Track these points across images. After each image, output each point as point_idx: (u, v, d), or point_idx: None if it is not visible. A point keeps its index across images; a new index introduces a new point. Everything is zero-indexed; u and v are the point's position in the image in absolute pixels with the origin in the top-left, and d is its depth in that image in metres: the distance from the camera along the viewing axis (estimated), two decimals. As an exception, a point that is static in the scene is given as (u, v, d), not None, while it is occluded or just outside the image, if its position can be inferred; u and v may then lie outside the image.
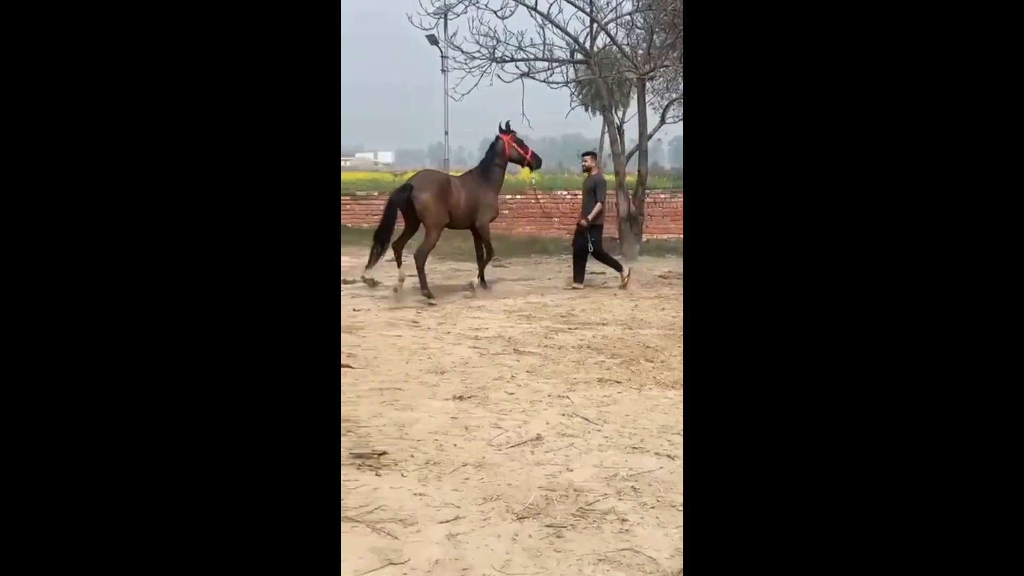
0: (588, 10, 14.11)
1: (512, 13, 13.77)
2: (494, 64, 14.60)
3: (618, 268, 11.38)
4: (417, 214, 10.00)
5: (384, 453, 4.37)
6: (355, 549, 3.25)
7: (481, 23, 14.60)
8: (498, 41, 14.38)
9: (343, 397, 5.46)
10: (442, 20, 19.18)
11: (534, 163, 11.32)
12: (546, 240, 17.68)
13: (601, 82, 14.76)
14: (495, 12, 13.73)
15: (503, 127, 11.10)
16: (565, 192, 19.67)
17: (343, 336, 7.63)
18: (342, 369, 6.24)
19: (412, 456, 4.34)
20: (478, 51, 14.49)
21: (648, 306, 9.70)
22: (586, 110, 26.59)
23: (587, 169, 11.68)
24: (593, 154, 12.10)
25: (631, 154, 14.76)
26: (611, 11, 14.59)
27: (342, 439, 4.59)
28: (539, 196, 16.92)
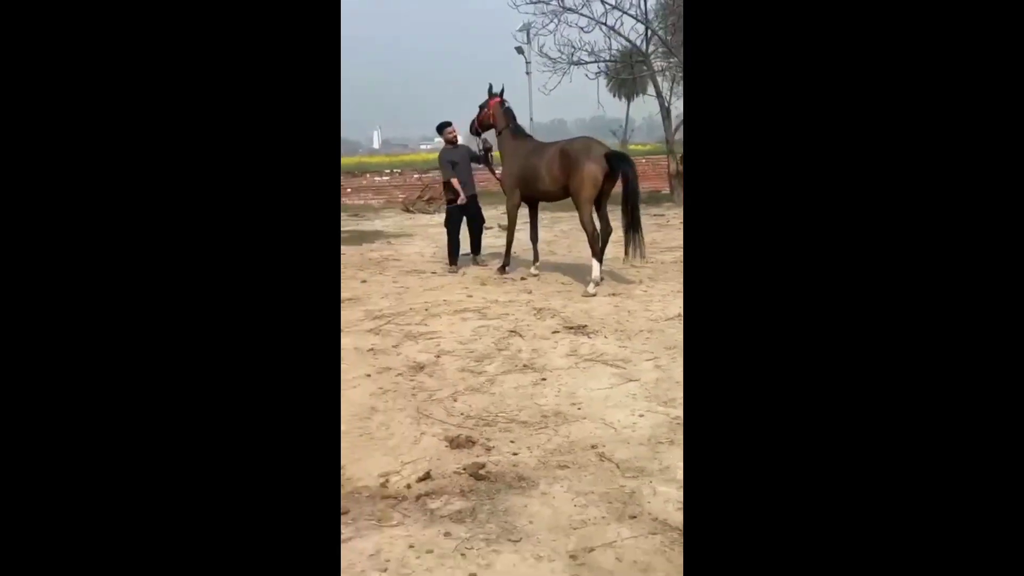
0: (644, 21, 14.41)
1: (592, 30, 14.19)
2: (571, 66, 15.13)
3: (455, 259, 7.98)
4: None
5: (585, 326, 5.10)
6: (602, 375, 4.02)
7: (562, 35, 14.97)
8: (575, 48, 14.86)
9: (539, 293, 6.22)
10: (525, 34, 19.62)
11: None
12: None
13: (654, 75, 15.12)
14: (581, 28, 14.15)
15: (500, 91, 7.53)
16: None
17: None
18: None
19: (603, 328, 5.07)
20: (560, 57, 14.98)
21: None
22: (613, 96, 29.93)
23: (451, 141, 8.05)
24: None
25: (677, 127, 15.11)
26: (662, 22, 14.92)
27: (552, 319, 5.35)
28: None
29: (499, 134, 7.42)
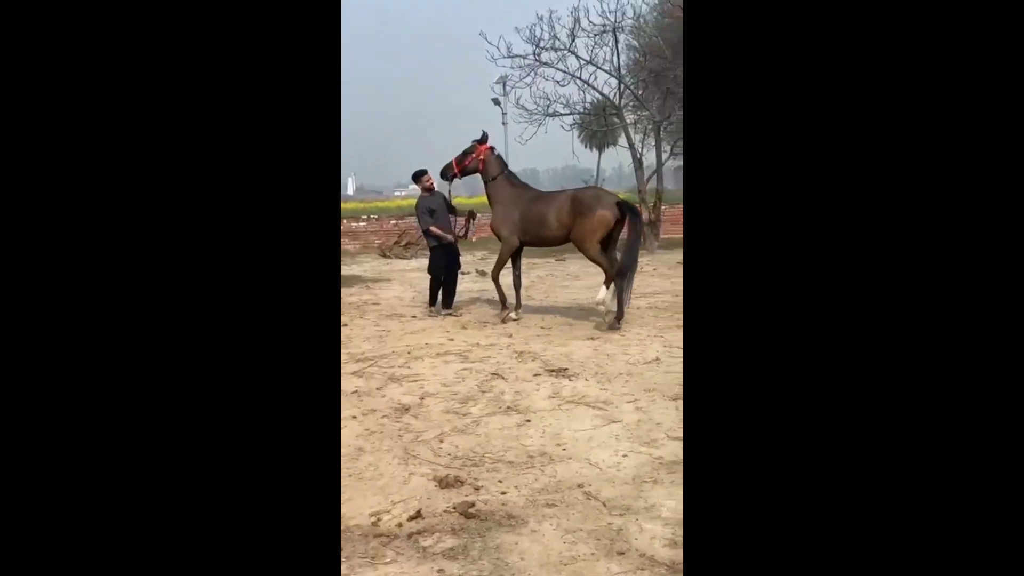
0: (617, 76, 14.87)
1: (568, 84, 14.63)
2: (546, 118, 15.54)
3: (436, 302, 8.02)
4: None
5: (566, 369, 5.18)
6: (584, 416, 4.08)
7: (538, 88, 15.42)
8: (551, 101, 15.28)
9: (520, 337, 6.29)
10: (502, 86, 20.13)
11: None
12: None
13: (626, 127, 15.54)
14: (556, 82, 14.57)
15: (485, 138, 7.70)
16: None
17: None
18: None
19: (583, 371, 5.14)
20: (536, 108, 15.38)
21: (678, 279, 10.34)
22: (585, 147, 31.06)
23: (428, 189, 8.00)
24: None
25: (649, 177, 15.46)
26: (633, 77, 15.45)
27: (533, 363, 5.41)
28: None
29: (492, 179, 7.42)
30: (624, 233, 6.90)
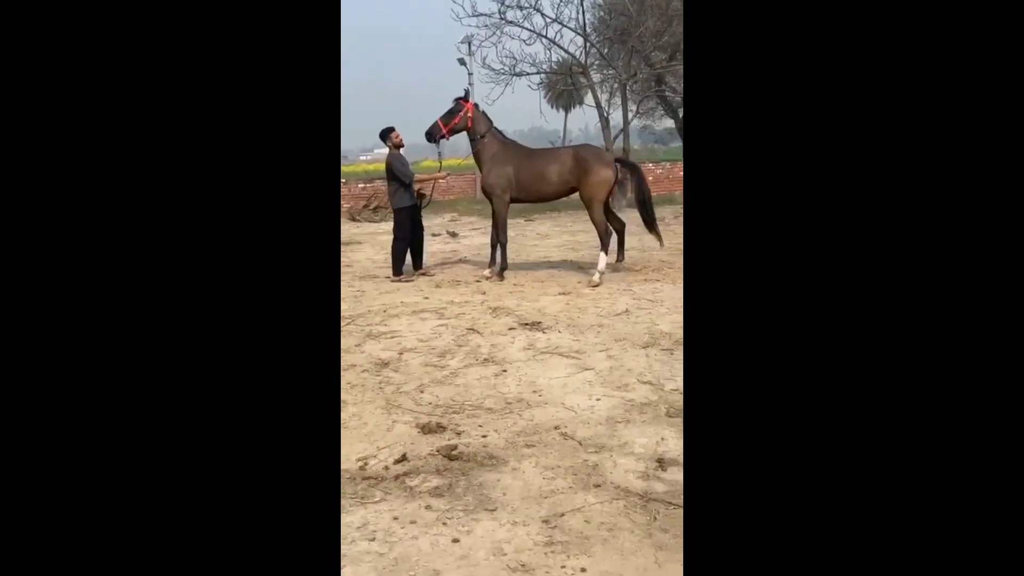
0: (583, 34, 14.81)
1: (533, 43, 14.52)
2: (513, 77, 15.44)
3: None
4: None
5: (539, 323, 5.31)
6: (559, 365, 4.22)
7: (504, 48, 15.23)
8: (517, 60, 15.17)
9: (493, 294, 6.41)
10: (467, 46, 19.88)
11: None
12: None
13: (593, 86, 15.53)
14: (523, 41, 14.46)
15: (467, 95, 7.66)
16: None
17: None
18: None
19: (556, 323, 5.28)
20: (502, 68, 15.27)
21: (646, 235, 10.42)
22: (552, 107, 31.34)
23: (399, 145, 7.73)
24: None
25: (615, 137, 15.53)
26: (600, 35, 15.40)
27: (507, 317, 5.54)
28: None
29: (480, 137, 7.27)
30: (630, 193, 7.38)
